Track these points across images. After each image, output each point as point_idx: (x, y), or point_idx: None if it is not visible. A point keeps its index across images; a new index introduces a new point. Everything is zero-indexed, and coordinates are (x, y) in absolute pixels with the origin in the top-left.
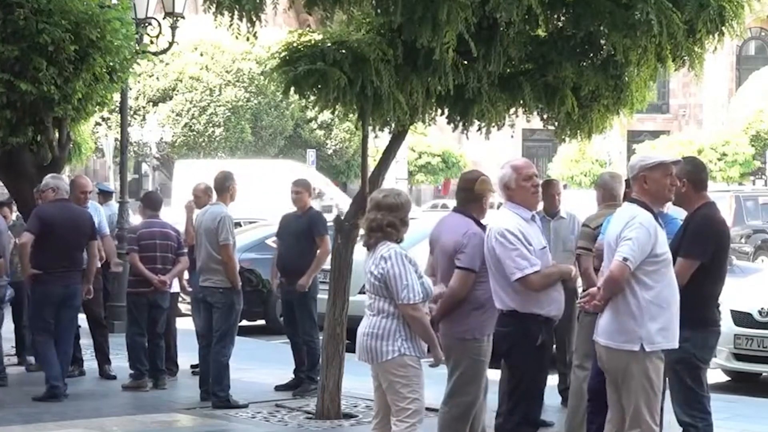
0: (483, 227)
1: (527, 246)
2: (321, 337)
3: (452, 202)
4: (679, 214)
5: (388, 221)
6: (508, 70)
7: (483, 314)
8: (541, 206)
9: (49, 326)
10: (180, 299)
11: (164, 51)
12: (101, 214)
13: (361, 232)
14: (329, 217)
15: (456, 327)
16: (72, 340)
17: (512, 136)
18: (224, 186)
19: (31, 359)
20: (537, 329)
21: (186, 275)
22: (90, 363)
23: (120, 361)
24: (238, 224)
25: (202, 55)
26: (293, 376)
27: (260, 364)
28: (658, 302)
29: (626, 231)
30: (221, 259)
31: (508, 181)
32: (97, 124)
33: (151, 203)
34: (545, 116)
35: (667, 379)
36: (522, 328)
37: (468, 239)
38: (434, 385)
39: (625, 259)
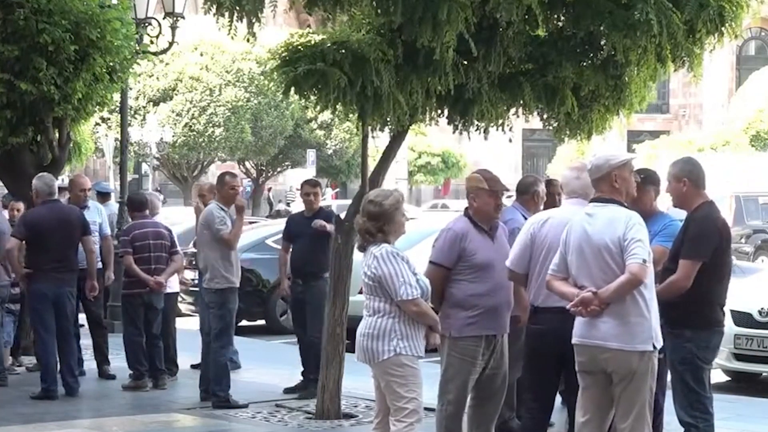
0: None
1: None
2: None
3: (452, 202)
4: (679, 215)
5: (366, 228)
6: (508, 70)
7: (463, 313)
8: (542, 206)
9: (48, 325)
10: (180, 299)
11: (164, 51)
12: (103, 215)
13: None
14: None
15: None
16: (73, 339)
17: (510, 141)
18: (218, 187)
19: (32, 359)
20: None
21: (194, 274)
22: (90, 363)
23: (121, 361)
24: None
25: (202, 55)
26: (301, 378)
27: (260, 364)
28: (654, 299)
29: (630, 233)
30: (230, 245)
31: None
32: (97, 124)
33: (135, 205)
34: (545, 116)
35: (669, 379)
36: None
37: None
38: (434, 384)
39: (645, 261)
